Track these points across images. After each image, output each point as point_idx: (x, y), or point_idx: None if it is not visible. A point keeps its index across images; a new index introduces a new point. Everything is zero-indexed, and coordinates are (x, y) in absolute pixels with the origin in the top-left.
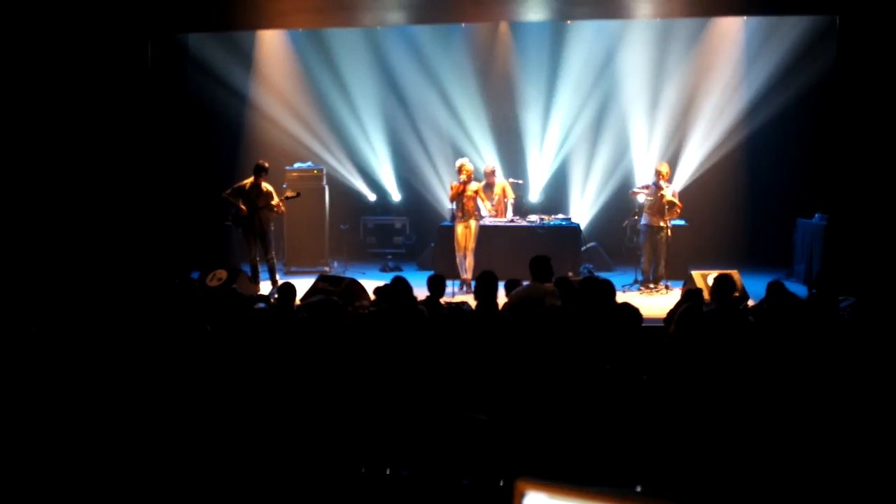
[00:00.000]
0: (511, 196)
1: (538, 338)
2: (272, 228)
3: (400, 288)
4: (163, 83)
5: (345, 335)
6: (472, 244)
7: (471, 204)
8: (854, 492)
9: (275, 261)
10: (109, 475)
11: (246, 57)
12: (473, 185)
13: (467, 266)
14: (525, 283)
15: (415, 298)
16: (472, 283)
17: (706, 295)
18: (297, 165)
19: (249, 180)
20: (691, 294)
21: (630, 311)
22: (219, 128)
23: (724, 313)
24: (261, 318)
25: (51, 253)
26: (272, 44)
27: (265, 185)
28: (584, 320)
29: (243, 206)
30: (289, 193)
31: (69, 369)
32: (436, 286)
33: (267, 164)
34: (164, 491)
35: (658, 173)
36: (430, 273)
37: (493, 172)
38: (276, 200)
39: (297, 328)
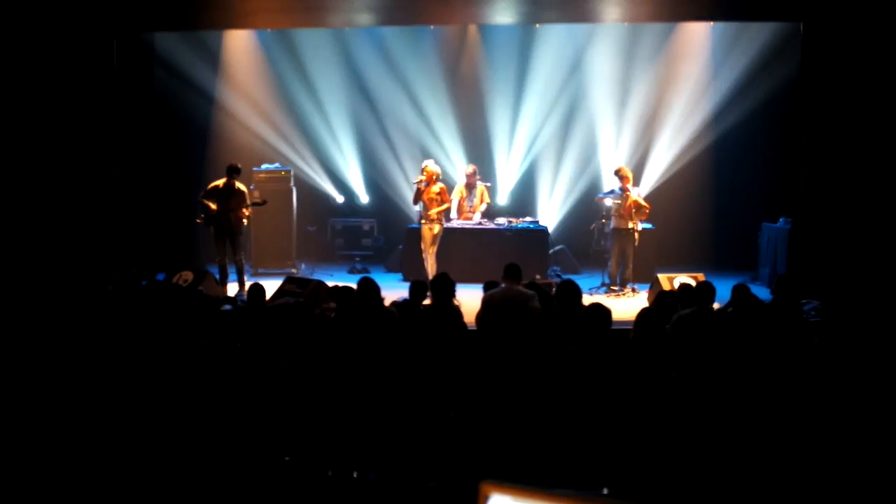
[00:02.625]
0: (486, 200)
1: (521, 340)
2: (243, 230)
3: (367, 289)
4: (129, 83)
5: (311, 337)
6: (435, 247)
7: (433, 206)
8: (823, 491)
9: (244, 262)
10: (71, 479)
11: (213, 57)
12: (436, 188)
13: (429, 268)
14: (502, 284)
15: (381, 299)
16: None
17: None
18: (264, 167)
19: (222, 180)
20: (662, 297)
21: (601, 311)
22: (185, 128)
23: (703, 316)
24: (227, 319)
25: (10, 253)
26: (240, 44)
27: (238, 186)
28: (559, 323)
29: (214, 206)
30: (255, 200)
31: (26, 372)
32: (418, 292)
33: (240, 165)
34: (127, 492)
35: (623, 177)
36: (398, 275)
37: (474, 173)
38: (247, 203)
39: (265, 329)
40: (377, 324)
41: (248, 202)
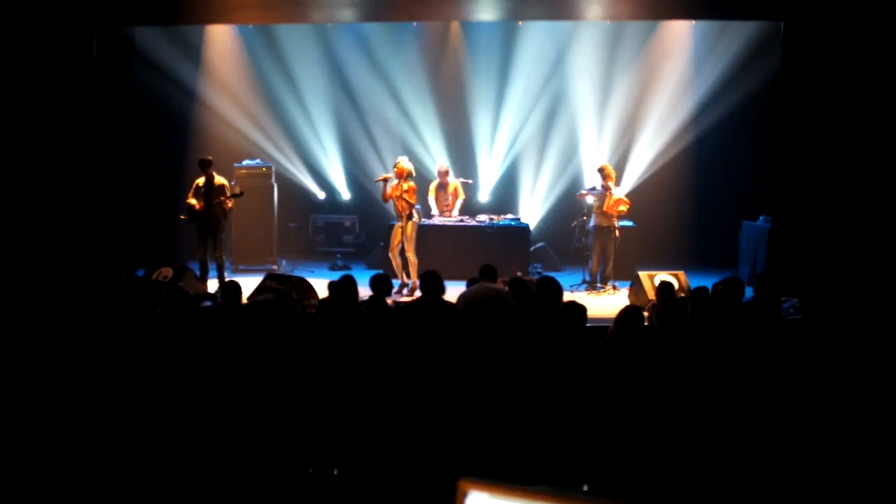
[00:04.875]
0: (461, 196)
1: (497, 337)
2: (225, 226)
3: (347, 287)
4: (108, 78)
5: (293, 333)
6: (410, 244)
7: (401, 203)
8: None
9: (224, 259)
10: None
11: (194, 52)
12: (406, 185)
13: (410, 267)
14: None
15: (357, 298)
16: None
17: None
18: (245, 163)
19: (201, 178)
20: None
21: (576, 309)
22: (166, 124)
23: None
24: (207, 315)
25: None
26: (221, 39)
27: (218, 180)
28: (537, 319)
29: (196, 202)
30: (235, 190)
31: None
32: (380, 286)
33: (210, 158)
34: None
35: (606, 175)
36: (379, 272)
37: (446, 172)
38: (228, 195)
39: (242, 326)
40: (352, 322)
41: (229, 194)
